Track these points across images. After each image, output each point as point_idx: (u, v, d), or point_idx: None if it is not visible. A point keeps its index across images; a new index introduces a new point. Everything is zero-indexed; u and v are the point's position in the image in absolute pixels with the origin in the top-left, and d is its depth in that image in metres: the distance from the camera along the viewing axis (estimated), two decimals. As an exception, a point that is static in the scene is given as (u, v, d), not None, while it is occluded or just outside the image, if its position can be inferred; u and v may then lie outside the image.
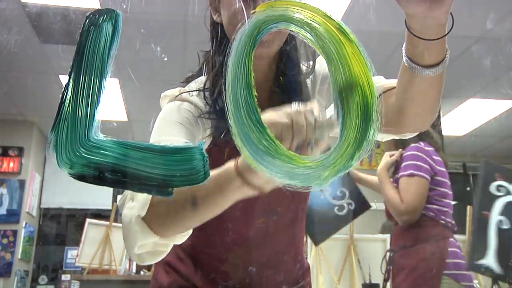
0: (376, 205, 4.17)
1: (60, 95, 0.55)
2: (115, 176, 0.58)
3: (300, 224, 1.14)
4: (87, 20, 0.47)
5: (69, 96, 0.53)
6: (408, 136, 0.98)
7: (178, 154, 0.56)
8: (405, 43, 0.75)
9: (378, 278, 3.86)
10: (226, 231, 1.04)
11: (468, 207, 3.60)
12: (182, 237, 0.81)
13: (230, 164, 0.68)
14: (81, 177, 0.58)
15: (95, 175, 0.58)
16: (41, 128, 6.27)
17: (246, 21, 0.48)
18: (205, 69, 1.02)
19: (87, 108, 0.54)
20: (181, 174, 0.56)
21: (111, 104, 5.32)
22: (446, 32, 0.72)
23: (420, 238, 2.18)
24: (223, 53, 0.88)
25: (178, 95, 0.98)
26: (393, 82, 0.94)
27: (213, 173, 0.65)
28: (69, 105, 0.53)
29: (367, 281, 3.24)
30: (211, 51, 1.02)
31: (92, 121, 0.55)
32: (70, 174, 0.58)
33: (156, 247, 0.78)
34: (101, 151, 0.57)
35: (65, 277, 5.35)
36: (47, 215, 6.71)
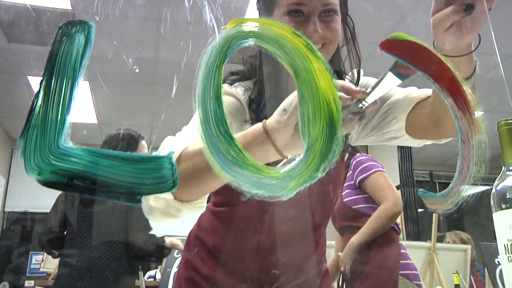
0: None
1: (31, 102, 0.55)
2: (84, 183, 0.58)
3: (324, 230, 1.21)
4: (60, 30, 0.48)
5: (39, 103, 0.53)
6: (443, 141, 1.05)
7: (147, 163, 0.57)
8: None
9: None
10: (254, 232, 1.07)
11: (434, 215, 3.70)
12: (194, 207, 0.83)
13: (259, 123, 0.73)
14: (49, 184, 0.59)
15: (64, 182, 0.58)
16: (6, 129, 6.11)
17: (217, 36, 0.50)
18: (251, 72, 1.08)
19: (57, 116, 0.54)
20: (150, 182, 0.57)
21: (81, 107, 5.24)
22: (473, 49, 0.82)
23: (374, 243, 2.23)
24: (271, 64, 0.99)
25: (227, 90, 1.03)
26: (426, 92, 1.02)
27: (242, 132, 0.74)
28: (39, 113, 0.54)
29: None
30: (259, 60, 1.06)
31: (62, 129, 0.55)
32: (38, 180, 0.58)
33: (168, 208, 0.81)
34: (70, 158, 0.58)
35: (28, 283, 5.21)
36: (11, 219, 6.53)
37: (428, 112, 0.99)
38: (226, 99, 0.99)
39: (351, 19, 1.07)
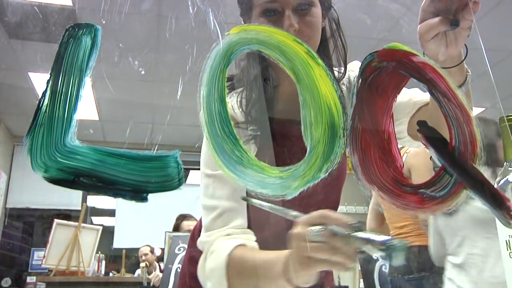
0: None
1: (36, 100, 0.56)
2: (90, 180, 0.59)
3: None
4: (66, 33, 0.49)
5: (46, 103, 0.54)
6: None
7: (153, 161, 0.58)
8: None
9: (347, 281, 3.92)
10: (259, 230, 1.09)
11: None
12: None
13: (280, 268, 0.73)
14: (55, 181, 0.59)
15: (70, 179, 0.59)
16: (8, 125, 6.11)
17: (221, 42, 0.51)
18: (242, 77, 1.07)
19: (63, 114, 0.55)
20: (155, 180, 0.58)
21: (82, 103, 5.24)
22: (462, 60, 0.82)
23: None
24: (257, 66, 0.99)
25: None
26: (428, 97, 1.01)
27: (268, 263, 0.79)
28: (45, 111, 0.55)
29: (336, 284, 3.30)
30: (246, 63, 1.05)
31: (68, 128, 0.56)
32: (44, 177, 0.59)
33: None
34: (76, 156, 0.59)
35: (30, 279, 5.23)
36: (13, 215, 6.54)
37: (429, 116, 0.99)
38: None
39: (335, 11, 1.04)
